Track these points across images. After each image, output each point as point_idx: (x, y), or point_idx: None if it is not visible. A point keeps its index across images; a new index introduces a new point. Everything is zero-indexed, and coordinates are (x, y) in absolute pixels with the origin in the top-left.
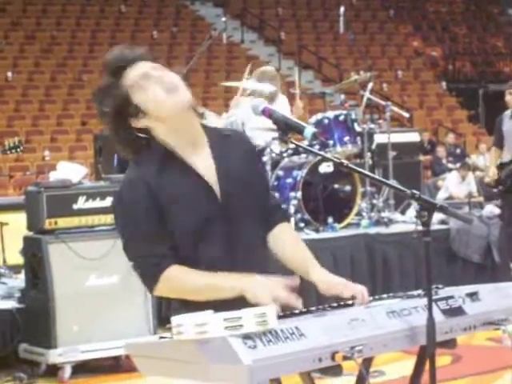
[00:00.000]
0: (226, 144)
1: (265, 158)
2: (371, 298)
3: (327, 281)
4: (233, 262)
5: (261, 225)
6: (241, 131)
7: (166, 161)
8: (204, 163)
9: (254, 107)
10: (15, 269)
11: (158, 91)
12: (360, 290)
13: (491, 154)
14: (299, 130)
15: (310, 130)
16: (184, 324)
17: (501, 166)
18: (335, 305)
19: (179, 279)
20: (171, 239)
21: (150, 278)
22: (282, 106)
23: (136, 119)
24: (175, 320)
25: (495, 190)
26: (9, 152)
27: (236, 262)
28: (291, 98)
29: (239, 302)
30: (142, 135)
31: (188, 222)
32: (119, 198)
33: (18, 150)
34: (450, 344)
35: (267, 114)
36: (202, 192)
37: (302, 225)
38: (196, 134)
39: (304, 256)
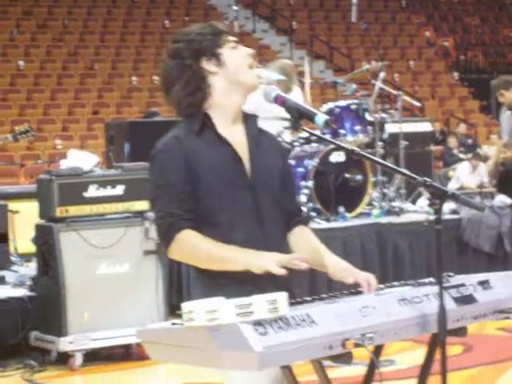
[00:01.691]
0: (261, 135)
1: None
2: (382, 286)
3: (335, 265)
4: (260, 235)
5: (284, 219)
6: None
7: (205, 127)
8: (238, 138)
9: (267, 94)
10: (26, 257)
11: (247, 63)
12: (365, 276)
13: (495, 145)
14: (311, 117)
15: (322, 118)
16: (195, 310)
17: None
18: (346, 292)
19: (190, 244)
20: (196, 203)
21: (164, 236)
22: (295, 98)
23: (209, 63)
24: (186, 306)
25: (491, 183)
26: (19, 137)
27: (264, 234)
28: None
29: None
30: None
31: (217, 188)
32: (154, 154)
33: (29, 134)
34: (461, 332)
35: (280, 101)
36: (232, 162)
37: (313, 214)
38: (239, 112)
39: (320, 248)
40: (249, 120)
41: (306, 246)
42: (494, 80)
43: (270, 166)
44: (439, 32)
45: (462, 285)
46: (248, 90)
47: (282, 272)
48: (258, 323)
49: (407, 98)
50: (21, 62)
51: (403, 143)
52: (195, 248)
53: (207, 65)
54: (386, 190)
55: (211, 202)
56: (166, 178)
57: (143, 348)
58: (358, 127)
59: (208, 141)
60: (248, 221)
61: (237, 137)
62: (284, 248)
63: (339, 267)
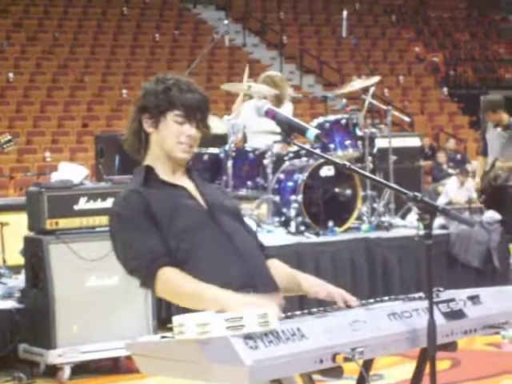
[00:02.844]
0: (205, 182)
1: (266, 161)
2: (372, 301)
3: (308, 281)
4: (235, 253)
5: (256, 244)
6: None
7: (149, 178)
8: (184, 182)
9: (258, 108)
10: (15, 269)
11: (174, 141)
12: (338, 292)
13: (478, 162)
14: (302, 132)
15: (313, 132)
16: (185, 324)
17: (484, 174)
18: (336, 307)
19: (171, 283)
20: (166, 245)
21: (147, 274)
22: (286, 113)
23: (147, 121)
24: (177, 320)
25: (479, 199)
26: (5, 147)
27: (239, 252)
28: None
29: None
30: (143, 137)
31: (182, 226)
32: (115, 211)
33: (11, 143)
34: (451, 347)
35: (271, 115)
36: (187, 199)
37: (302, 228)
38: (179, 166)
39: (293, 273)
40: (190, 170)
41: (281, 276)
42: (483, 100)
43: (222, 203)
44: (429, 47)
45: (452, 300)
46: (175, 161)
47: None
48: (248, 337)
49: (397, 113)
50: (10, 74)
51: (393, 158)
52: (176, 286)
53: (145, 122)
54: (375, 205)
55: (178, 240)
56: (130, 224)
57: (132, 361)
58: (347, 142)
59: (156, 189)
60: (223, 247)
61: (182, 180)
62: (263, 265)
63: (312, 283)
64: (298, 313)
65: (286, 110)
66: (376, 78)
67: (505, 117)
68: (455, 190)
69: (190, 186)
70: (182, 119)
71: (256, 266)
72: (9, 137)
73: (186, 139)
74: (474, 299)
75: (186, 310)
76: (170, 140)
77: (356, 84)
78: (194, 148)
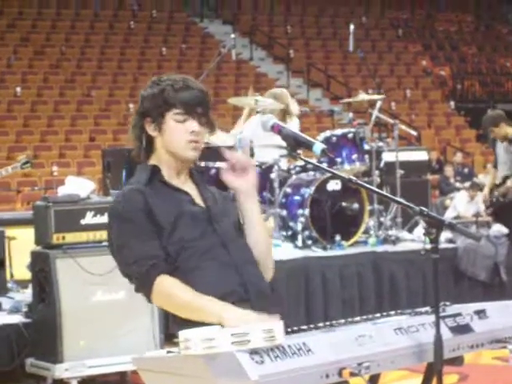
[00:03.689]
0: (208, 189)
1: (273, 176)
2: (378, 315)
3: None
4: (229, 261)
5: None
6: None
7: (154, 179)
8: (188, 186)
9: (264, 123)
10: (22, 283)
11: (182, 141)
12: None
13: (489, 174)
14: (308, 146)
15: (319, 146)
16: (191, 339)
17: (494, 187)
18: (343, 321)
19: (168, 292)
20: (165, 250)
21: (145, 281)
22: (293, 128)
23: (150, 125)
24: (183, 335)
25: (487, 211)
26: (24, 167)
27: (234, 271)
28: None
29: None
30: (146, 140)
31: (183, 235)
32: (115, 209)
33: (28, 164)
34: (458, 361)
35: (276, 129)
36: (188, 204)
37: (309, 242)
38: (184, 168)
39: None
40: (195, 173)
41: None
42: (484, 120)
43: (223, 209)
44: (436, 61)
45: (459, 314)
46: (184, 161)
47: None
48: (254, 352)
49: (404, 127)
50: (18, 89)
51: (400, 172)
52: (174, 297)
53: (148, 126)
54: (382, 219)
55: (178, 248)
56: (130, 226)
57: (139, 375)
58: (354, 156)
59: (159, 191)
60: (220, 257)
61: (186, 184)
62: (257, 276)
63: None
64: (304, 327)
65: (293, 125)
66: (382, 96)
67: (509, 130)
68: (464, 204)
69: (193, 190)
70: (183, 117)
71: (250, 278)
72: (26, 159)
73: (191, 136)
74: (480, 313)
75: (183, 324)
76: (176, 140)
77: (363, 96)
78: (201, 144)
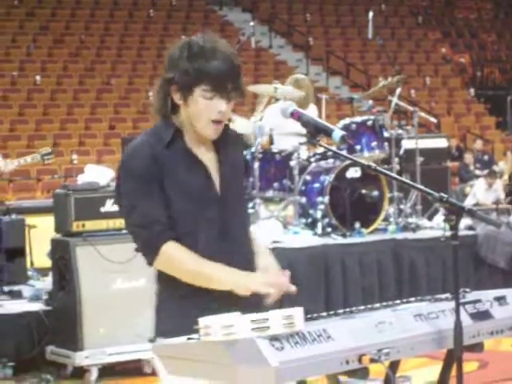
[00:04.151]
0: (229, 147)
1: (292, 163)
2: (398, 302)
3: (261, 264)
4: (221, 251)
5: (248, 236)
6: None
7: (175, 141)
8: (207, 155)
9: (283, 110)
10: (43, 271)
11: (206, 119)
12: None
13: (507, 158)
14: (328, 133)
15: (338, 133)
16: (211, 325)
17: None
18: (362, 308)
19: (177, 258)
20: (169, 212)
21: (151, 246)
22: (312, 115)
23: (176, 92)
24: (202, 321)
25: (507, 199)
26: (45, 158)
27: (224, 251)
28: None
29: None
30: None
31: (186, 205)
32: (126, 160)
33: (51, 156)
34: (477, 348)
35: (296, 116)
36: (202, 180)
37: (329, 229)
38: (207, 140)
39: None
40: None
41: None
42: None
43: (238, 182)
44: (455, 48)
45: (479, 301)
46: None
47: (271, 292)
48: (274, 338)
49: (423, 114)
50: (37, 77)
51: (419, 159)
52: (182, 263)
53: (174, 94)
54: (402, 206)
55: (178, 214)
56: (141, 184)
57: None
58: (374, 143)
59: (177, 154)
60: (212, 236)
61: (205, 152)
62: (248, 265)
63: (262, 266)
64: (324, 314)
65: (312, 112)
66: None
67: None
68: (483, 192)
69: (212, 160)
70: (211, 93)
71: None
72: (49, 149)
73: (216, 116)
74: (500, 300)
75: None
76: (200, 118)
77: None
78: (225, 122)
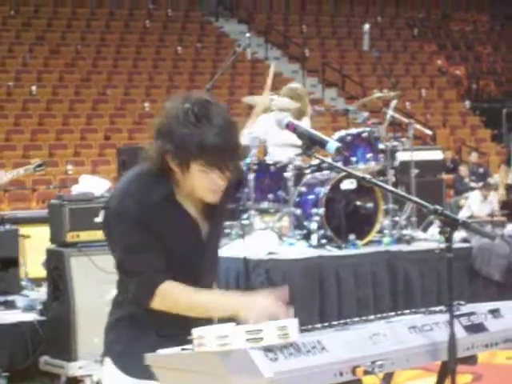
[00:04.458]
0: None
1: (287, 174)
2: (393, 314)
3: None
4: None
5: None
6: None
7: (168, 197)
8: (198, 205)
9: (278, 121)
10: (37, 281)
11: (205, 189)
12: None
13: (500, 172)
14: (323, 144)
15: (333, 145)
16: (205, 336)
17: (509, 187)
18: (357, 319)
19: (174, 295)
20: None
21: (146, 291)
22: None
23: (173, 161)
24: (196, 332)
25: (502, 211)
26: (37, 169)
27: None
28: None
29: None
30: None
31: (175, 254)
32: (119, 206)
33: (42, 167)
34: (471, 360)
35: (291, 127)
36: (191, 238)
37: (323, 241)
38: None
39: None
40: None
41: None
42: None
43: (221, 227)
44: (451, 61)
45: (473, 313)
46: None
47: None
48: (268, 349)
49: (419, 127)
50: (33, 87)
51: (414, 171)
52: (178, 299)
53: (170, 160)
54: (396, 218)
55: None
56: (138, 228)
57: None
58: (369, 155)
59: (169, 210)
60: (187, 278)
61: (197, 203)
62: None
63: None
64: (319, 325)
65: (306, 123)
66: (397, 92)
67: None
68: (478, 204)
69: (201, 211)
70: (210, 168)
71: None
72: (40, 162)
73: (213, 187)
74: (494, 312)
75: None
76: (199, 188)
77: (378, 94)
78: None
